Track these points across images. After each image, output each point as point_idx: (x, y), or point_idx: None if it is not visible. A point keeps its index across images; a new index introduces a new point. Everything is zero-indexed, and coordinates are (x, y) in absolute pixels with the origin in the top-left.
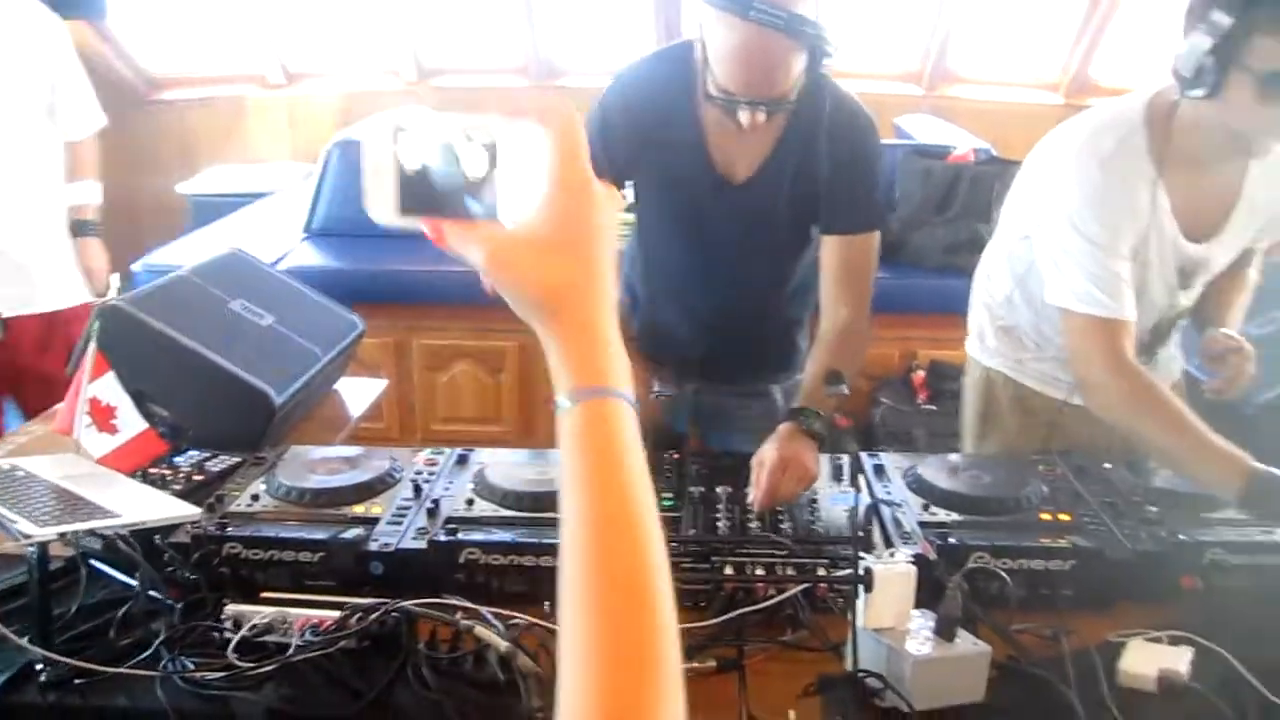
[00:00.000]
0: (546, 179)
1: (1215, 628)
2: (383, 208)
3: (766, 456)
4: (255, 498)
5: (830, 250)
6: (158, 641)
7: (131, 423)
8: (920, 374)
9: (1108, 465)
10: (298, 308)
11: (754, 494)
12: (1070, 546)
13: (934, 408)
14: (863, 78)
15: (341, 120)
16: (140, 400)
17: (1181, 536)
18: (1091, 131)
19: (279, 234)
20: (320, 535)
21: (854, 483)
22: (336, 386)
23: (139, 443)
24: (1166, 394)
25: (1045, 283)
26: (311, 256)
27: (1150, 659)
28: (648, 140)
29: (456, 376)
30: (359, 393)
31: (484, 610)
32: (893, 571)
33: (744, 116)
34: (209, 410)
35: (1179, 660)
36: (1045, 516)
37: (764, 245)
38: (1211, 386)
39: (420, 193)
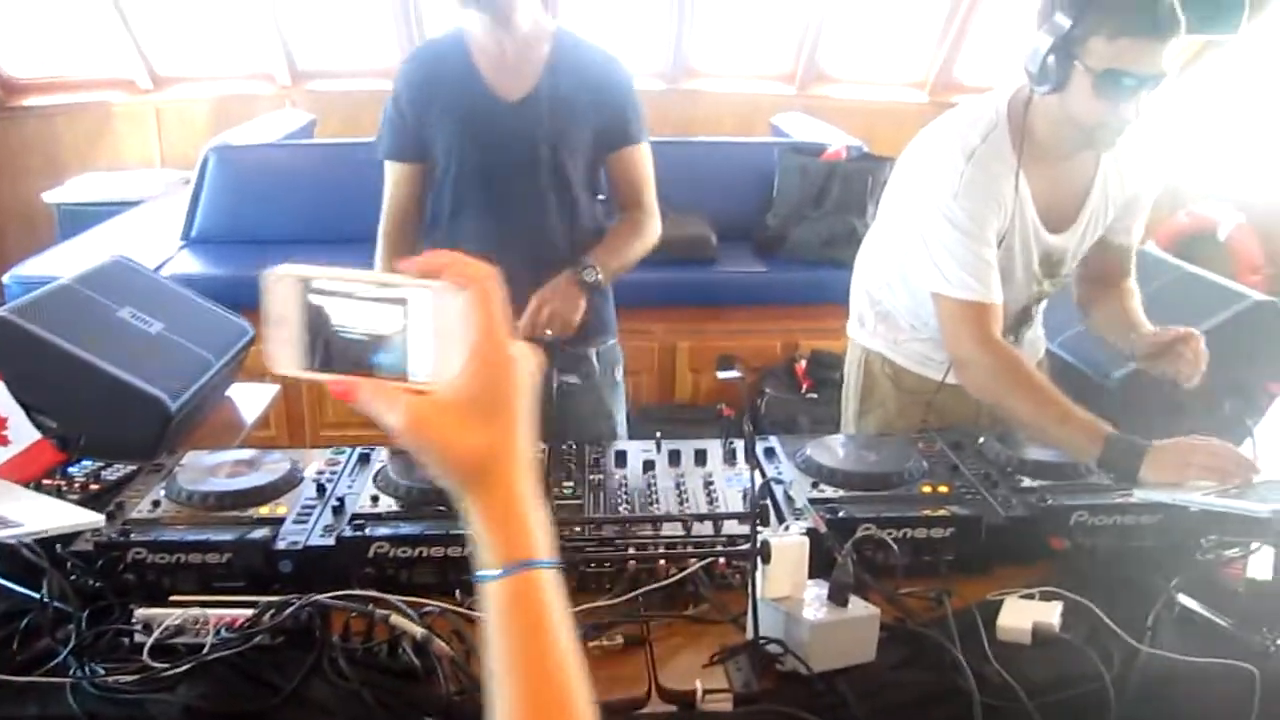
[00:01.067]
0: (466, 344)
1: (1082, 583)
2: (285, 358)
3: (538, 295)
4: (156, 503)
5: (612, 169)
6: (67, 649)
7: (24, 433)
8: (802, 364)
9: (981, 440)
10: (187, 314)
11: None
12: (950, 515)
13: (816, 396)
14: (738, 78)
15: (213, 125)
16: (29, 411)
17: (1049, 501)
18: (959, 127)
19: (155, 241)
20: (227, 536)
21: (749, 461)
22: (228, 393)
23: (33, 453)
24: (1032, 370)
25: (919, 269)
26: (192, 264)
27: (1024, 614)
28: (433, 97)
29: None
30: (251, 399)
31: (396, 600)
32: (788, 543)
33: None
34: (102, 419)
35: (1050, 614)
36: (926, 489)
37: (548, 169)
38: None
39: (328, 346)
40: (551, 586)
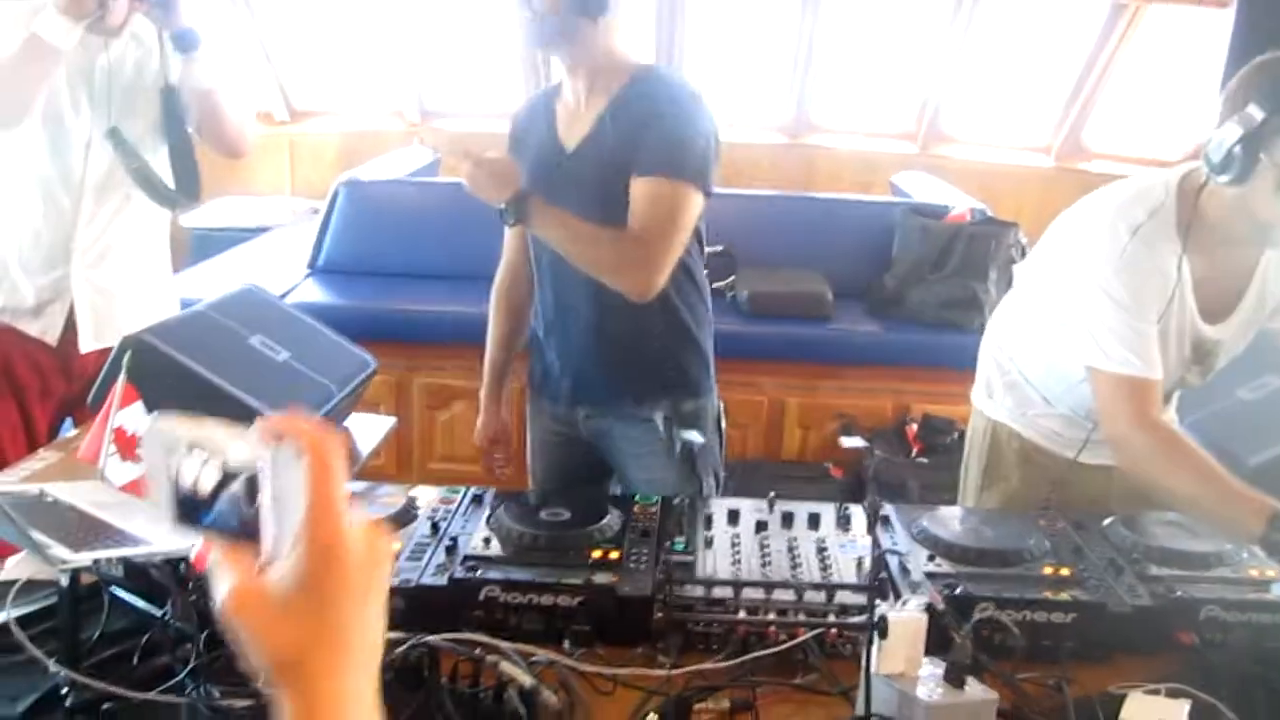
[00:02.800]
0: (299, 524)
1: (1211, 682)
2: (162, 514)
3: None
4: None
5: (632, 197)
6: (185, 669)
7: None
8: (913, 427)
9: (1107, 522)
10: (313, 344)
11: None
12: (1072, 600)
13: (926, 460)
14: (858, 135)
15: (343, 158)
16: None
17: (1179, 592)
18: (1124, 201)
19: (283, 269)
20: None
21: (871, 531)
22: (345, 423)
23: None
24: (1194, 446)
25: (1070, 343)
26: (316, 292)
27: (1150, 711)
28: (523, 149)
29: (455, 416)
30: (367, 429)
31: (505, 646)
32: (906, 619)
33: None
34: None
35: (1178, 713)
36: (1048, 570)
37: (600, 219)
38: None
39: (193, 508)
40: None
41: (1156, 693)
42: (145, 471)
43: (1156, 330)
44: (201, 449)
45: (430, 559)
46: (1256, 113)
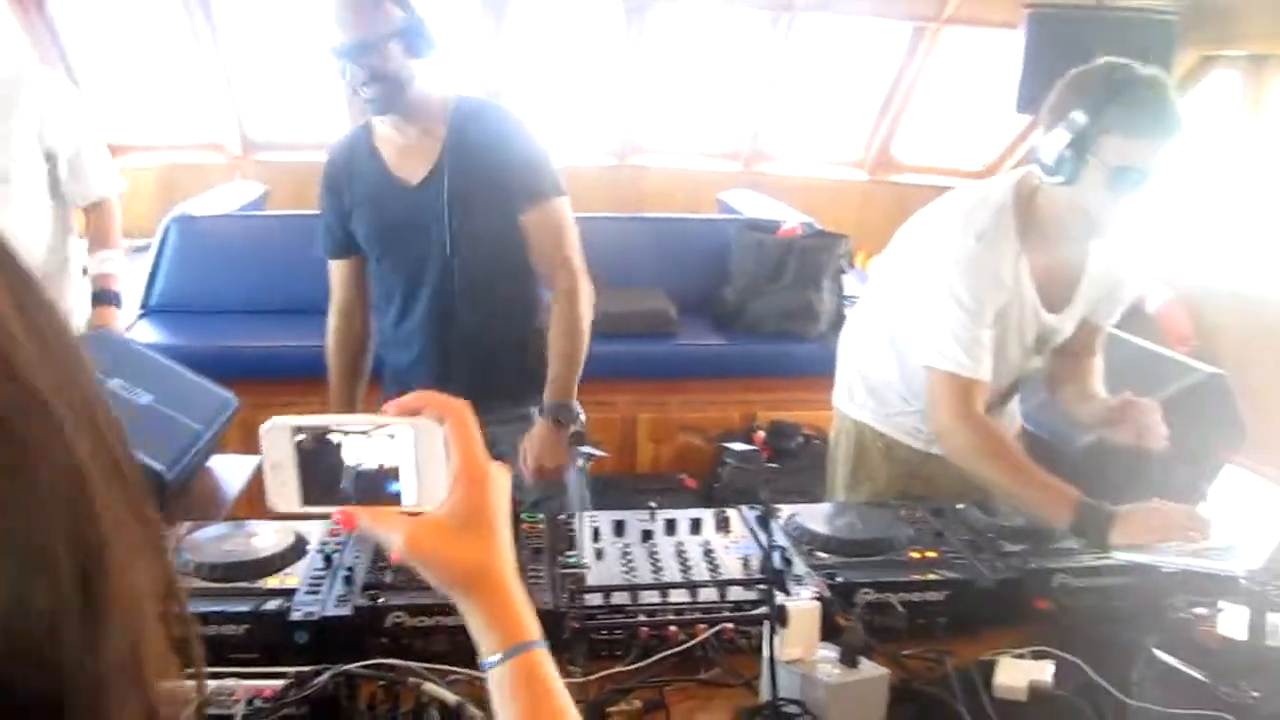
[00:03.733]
0: (449, 469)
1: (1068, 642)
2: (287, 499)
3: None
4: None
5: (529, 230)
6: None
7: None
8: (761, 434)
9: (960, 506)
10: (173, 385)
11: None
12: (943, 579)
13: (776, 465)
14: (685, 154)
15: (163, 194)
16: None
17: (1033, 565)
18: (968, 208)
19: None
20: (243, 607)
21: (764, 528)
22: (209, 465)
23: None
24: (1009, 442)
25: (914, 342)
26: (152, 334)
27: (1020, 673)
28: (350, 193)
29: None
30: (233, 471)
31: (421, 668)
32: (803, 607)
33: (354, 74)
34: None
35: (1044, 672)
36: (915, 555)
37: (455, 246)
38: (1156, 437)
39: (323, 485)
40: (548, 661)
41: (1023, 656)
42: (269, 464)
43: (991, 335)
44: (325, 435)
45: (330, 591)
46: (1081, 118)
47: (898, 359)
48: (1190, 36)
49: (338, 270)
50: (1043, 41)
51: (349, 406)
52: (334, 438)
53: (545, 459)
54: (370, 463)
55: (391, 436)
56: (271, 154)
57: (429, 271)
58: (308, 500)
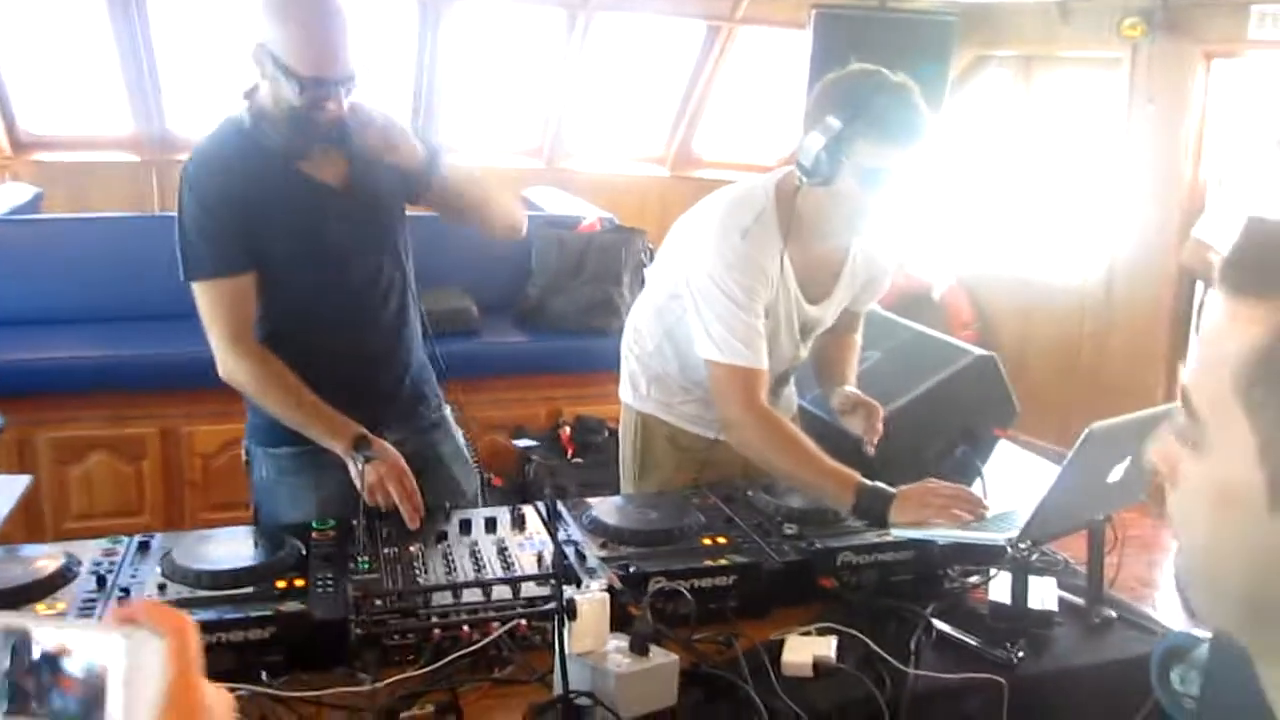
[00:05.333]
0: (160, 693)
1: (852, 617)
2: None
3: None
4: None
5: (439, 202)
6: None
7: None
8: (566, 429)
9: (750, 492)
10: None
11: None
12: (731, 564)
13: (581, 460)
14: (488, 152)
15: None
16: None
17: (818, 545)
18: (729, 207)
19: None
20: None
21: (550, 524)
22: None
23: None
24: (792, 429)
25: (693, 336)
26: None
27: (805, 649)
28: (259, 200)
29: (91, 468)
30: None
31: None
32: (591, 599)
33: (332, 105)
34: None
35: (827, 648)
36: (706, 541)
37: (377, 244)
38: (870, 445)
39: (25, 695)
40: None
41: (809, 633)
42: None
43: (765, 324)
44: (28, 636)
45: (102, 614)
46: (835, 122)
47: (675, 351)
48: (967, 37)
49: (229, 287)
50: (830, 40)
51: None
52: (38, 643)
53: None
54: (80, 675)
55: (101, 649)
56: (46, 153)
57: (361, 268)
58: (9, 711)
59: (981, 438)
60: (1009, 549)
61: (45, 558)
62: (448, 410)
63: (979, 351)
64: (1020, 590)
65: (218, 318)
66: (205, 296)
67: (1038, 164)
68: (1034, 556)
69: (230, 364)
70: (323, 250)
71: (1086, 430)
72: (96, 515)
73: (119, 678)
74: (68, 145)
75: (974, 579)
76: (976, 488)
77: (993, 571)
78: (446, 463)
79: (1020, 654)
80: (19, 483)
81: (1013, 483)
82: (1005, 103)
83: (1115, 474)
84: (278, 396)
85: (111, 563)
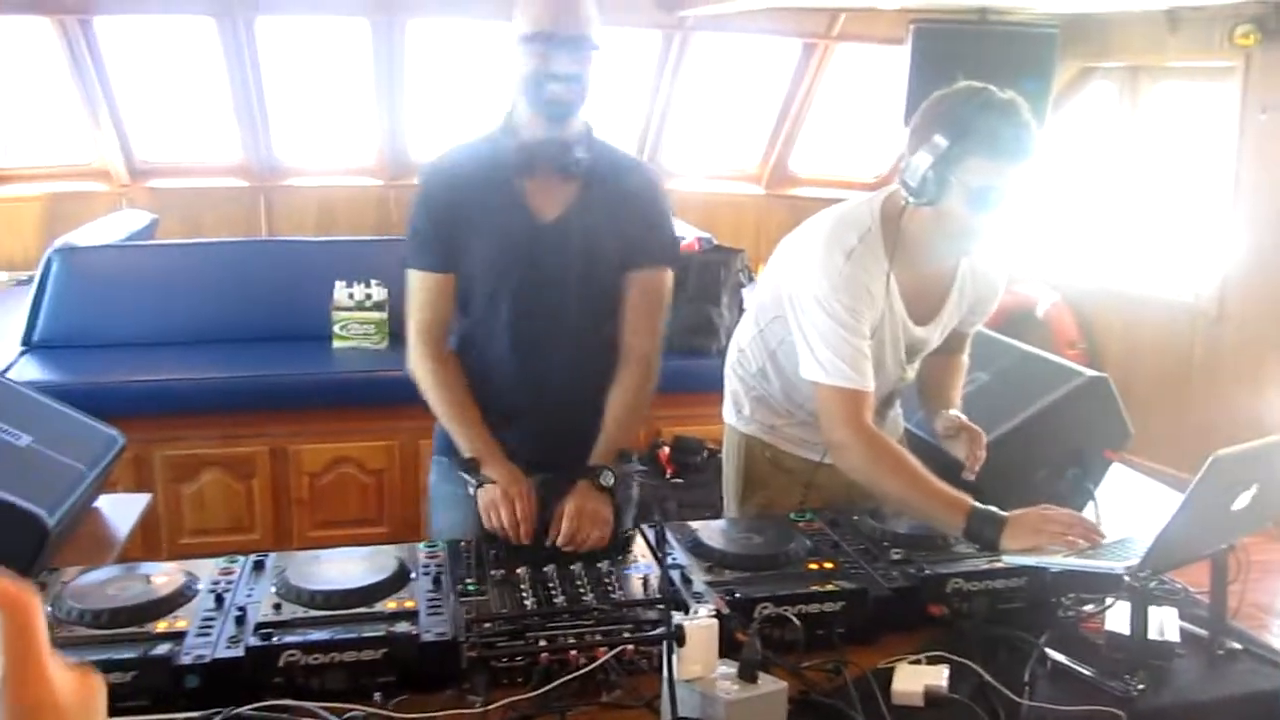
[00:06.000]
0: (1, 682)
1: (963, 646)
2: None
3: (565, 508)
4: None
5: (632, 288)
6: None
7: None
8: (665, 450)
9: (855, 517)
10: (54, 425)
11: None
12: (839, 589)
13: (681, 480)
14: None
15: (46, 225)
16: None
17: (927, 571)
18: (833, 227)
19: None
20: (129, 654)
21: (660, 548)
22: (97, 504)
23: None
24: (900, 451)
25: (799, 358)
26: (35, 371)
27: (916, 678)
28: (469, 206)
29: (204, 486)
30: (121, 510)
31: (316, 708)
32: (700, 625)
33: (559, 63)
34: None
35: (939, 677)
36: (812, 566)
37: (574, 283)
38: (970, 469)
39: None
40: None
41: (920, 662)
42: None
43: (870, 345)
44: None
45: (221, 632)
46: (942, 141)
47: (778, 373)
48: (1070, 49)
49: (425, 282)
50: (929, 55)
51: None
52: None
53: (586, 525)
54: None
55: None
56: (160, 180)
57: (547, 303)
58: None
59: (1093, 461)
60: (1127, 578)
61: (165, 576)
62: None
63: (1091, 373)
64: (1140, 620)
65: (414, 310)
66: (409, 286)
67: (1144, 177)
68: (1152, 584)
69: (414, 358)
70: (511, 273)
71: (1211, 458)
72: (210, 531)
73: None
74: (181, 172)
75: (1089, 608)
76: (1088, 512)
77: (1109, 600)
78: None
79: (1140, 686)
80: (139, 501)
81: (1126, 508)
82: (1110, 115)
83: (1240, 501)
84: (437, 397)
85: (229, 581)
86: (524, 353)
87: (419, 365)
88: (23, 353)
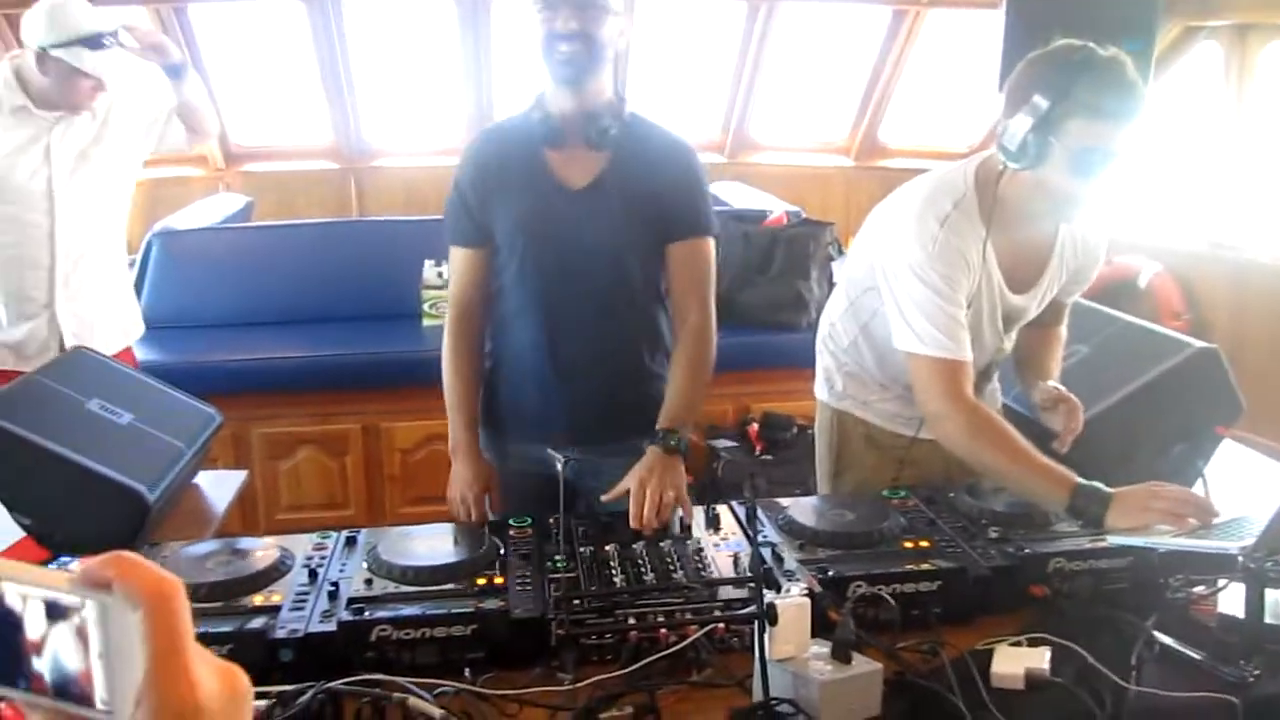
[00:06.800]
0: (139, 685)
1: (1065, 627)
2: None
3: (636, 478)
4: None
5: (674, 260)
6: None
7: (6, 531)
8: (754, 426)
9: (952, 494)
10: (153, 403)
11: (632, 513)
12: (935, 568)
13: (770, 457)
14: None
15: (145, 210)
16: (10, 509)
17: (1028, 550)
18: (928, 195)
19: None
20: (225, 627)
21: (751, 526)
22: (195, 480)
23: (16, 552)
24: (1001, 423)
25: (892, 329)
26: (138, 351)
27: (1016, 660)
28: (498, 180)
29: (299, 463)
30: (219, 487)
31: (407, 682)
32: (792, 605)
33: (564, 21)
34: (80, 513)
35: (1040, 659)
36: (908, 544)
37: (606, 253)
38: (1061, 441)
39: (12, 659)
40: None
41: (1020, 644)
42: None
43: (966, 314)
44: (19, 586)
45: (314, 606)
46: (1042, 102)
47: (871, 347)
48: (1173, 8)
49: (461, 258)
50: (1023, 20)
51: (474, 408)
52: (12, 600)
53: (665, 488)
54: (59, 644)
55: (81, 612)
56: (255, 164)
57: (576, 274)
58: None
59: (1202, 437)
60: (1241, 559)
61: (262, 551)
62: None
63: (1199, 344)
64: (1255, 603)
65: (451, 282)
66: (450, 259)
67: (1253, 141)
68: (1269, 566)
69: (445, 336)
70: (542, 242)
71: None
72: (305, 507)
73: (95, 650)
74: (274, 156)
75: (1200, 589)
76: (1198, 490)
77: (1221, 582)
78: None
79: (1255, 672)
80: (237, 477)
81: (1239, 486)
82: (1216, 77)
83: None
84: (448, 384)
85: (322, 557)
86: (554, 322)
87: (446, 345)
88: None
